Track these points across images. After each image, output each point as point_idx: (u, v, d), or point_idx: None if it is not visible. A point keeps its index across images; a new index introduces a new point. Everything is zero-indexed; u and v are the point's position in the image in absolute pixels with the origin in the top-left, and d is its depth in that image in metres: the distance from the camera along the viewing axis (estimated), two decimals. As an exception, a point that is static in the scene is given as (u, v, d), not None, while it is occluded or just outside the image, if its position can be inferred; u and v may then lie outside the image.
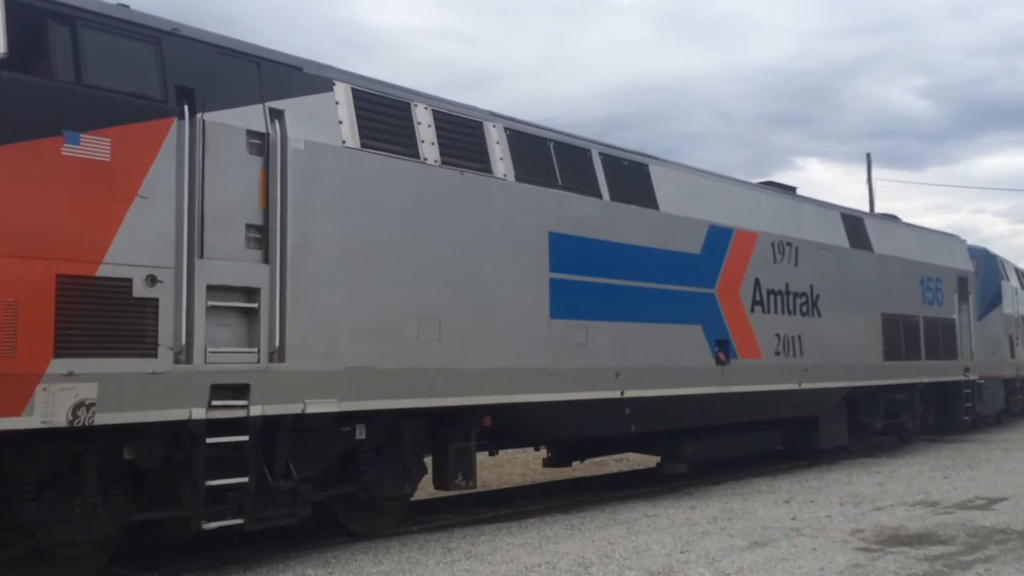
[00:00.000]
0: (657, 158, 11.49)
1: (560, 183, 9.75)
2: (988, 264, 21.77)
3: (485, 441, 9.81)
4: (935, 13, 71.20)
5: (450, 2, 61.62)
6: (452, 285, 8.41)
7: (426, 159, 8.34)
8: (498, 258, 8.91)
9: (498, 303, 8.85)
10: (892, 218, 17.88)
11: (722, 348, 11.78)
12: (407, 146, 8.24)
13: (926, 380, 16.56)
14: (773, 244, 12.91)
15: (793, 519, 9.25)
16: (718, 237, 11.89)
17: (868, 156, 33.25)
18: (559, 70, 64.32)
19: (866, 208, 26.20)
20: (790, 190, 14.64)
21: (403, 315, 7.95)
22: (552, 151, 9.83)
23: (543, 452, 12.30)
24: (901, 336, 15.88)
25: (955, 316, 17.97)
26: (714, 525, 8.97)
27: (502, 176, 9.08)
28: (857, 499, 10.64)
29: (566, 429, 9.82)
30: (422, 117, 8.47)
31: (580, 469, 13.32)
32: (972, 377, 18.36)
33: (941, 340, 17.29)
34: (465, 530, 8.94)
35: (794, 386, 13.09)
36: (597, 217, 10.12)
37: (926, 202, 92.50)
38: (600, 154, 10.48)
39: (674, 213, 11.25)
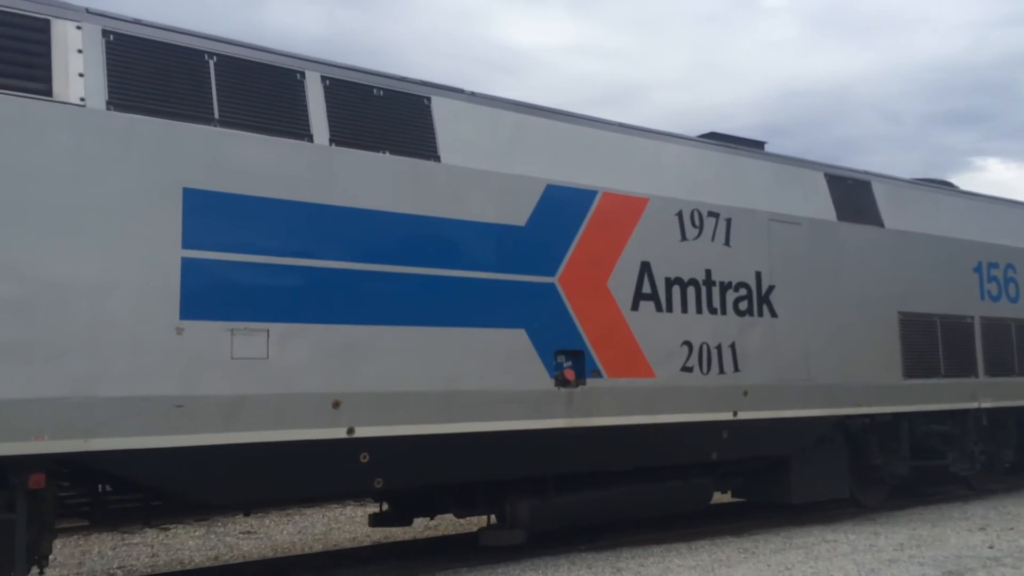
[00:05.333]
0: (457, 89, 7.96)
1: (217, 115, 6.47)
2: None
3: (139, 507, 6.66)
4: None
5: (593, 18, 58.71)
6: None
7: None
8: (61, 224, 5.74)
9: (52, 295, 5.66)
10: (947, 186, 13.26)
11: (572, 363, 8.06)
12: None
13: (987, 405, 11.89)
14: (680, 214, 9.01)
15: (991, 548, 8.55)
16: (564, 202, 8.19)
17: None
18: (708, 79, 59.81)
19: None
20: (755, 145, 10.61)
21: None
22: (212, 69, 6.57)
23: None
24: (938, 344, 11.38)
25: None
26: (901, 552, 8.35)
27: (77, 100, 5.90)
28: (1063, 527, 9.59)
29: (228, 489, 6.43)
30: None
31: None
32: None
33: (1017, 349, 12.52)
34: (634, 550, 8.66)
35: (725, 415, 9.10)
36: (299, 169, 6.76)
37: None
38: (324, 78, 7.10)
39: (470, 166, 7.68)
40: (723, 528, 9.81)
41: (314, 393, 6.62)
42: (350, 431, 6.77)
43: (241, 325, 6.34)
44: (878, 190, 11.27)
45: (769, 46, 59.99)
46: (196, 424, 6.09)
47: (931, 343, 11.30)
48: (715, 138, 10.30)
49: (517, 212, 7.85)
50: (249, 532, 11.35)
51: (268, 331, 6.45)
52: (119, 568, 9.31)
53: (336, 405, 6.71)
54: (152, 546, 10.51)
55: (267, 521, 12.05)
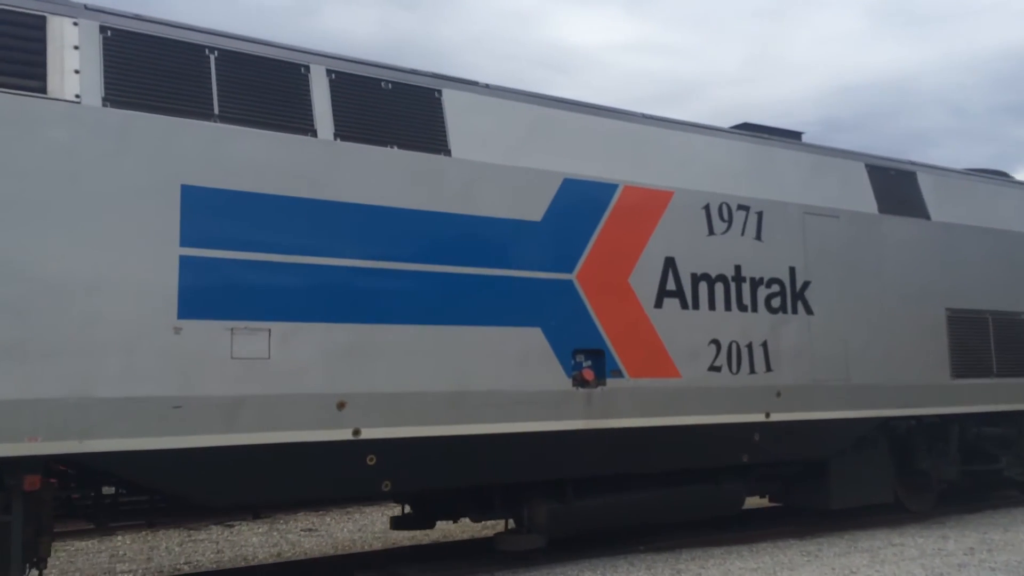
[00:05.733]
0: (471, 82, 7.75)
1: (217, 111, 6.36)
2: None
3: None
4: None
5: (649, 15, 58.11)
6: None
7: None
8: (56, 223, 5.67)
9: (47, 294, 5.60)
10: (1000, 175, 12.63)
11: (591, 362, 7.80)
12: None
13: (1043, 406, 11.27)
14: (707, 207, 8.67)
15: None
16: (583, 197, 7.92)
17: None
18: (765, 74, 58.62)
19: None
20: (791, 135, 10.21)
21: None
22: (212, 64, 6.46)
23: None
24: (990, 341, 10.82)
25: None
26: (971, 557, 8.13)
27: (72, 97, 5.84)
28: None
29: (230, 492, 6.31)
30: None
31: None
32: None
33: None
34: (693, 552, 8.56)
35: (756, 417, 8.75)
36: (302, 164, 6.61)
37: None
38: (329, 72, 6.96)
39: (483, 160, 7.46)
40: (785, 530, 9.60)
41: (318, 394, 6.47)
42: (356, 432, 6.61)
43: (241, 324, 6.21)
44: (924, 181, 10.76)
45: (829, 39, 58.60)
46: (195, 425, 5.98)
47: (982, 341, 10.75)
48: (748, 129, 9.93)
49: (532, 207, 7.61)
50: (310, 529, 11.42)
51: (270, 330, 6.32)
52: (185, 563, 9.46)
53: (341, 406, 6.55)
54: (217, 542, 10.66)
55: (327, 519, 12.14)
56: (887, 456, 10.12)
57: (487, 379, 7.20)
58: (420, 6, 56.28)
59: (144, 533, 11.05)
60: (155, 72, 6.20)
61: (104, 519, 6.64)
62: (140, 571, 9.05)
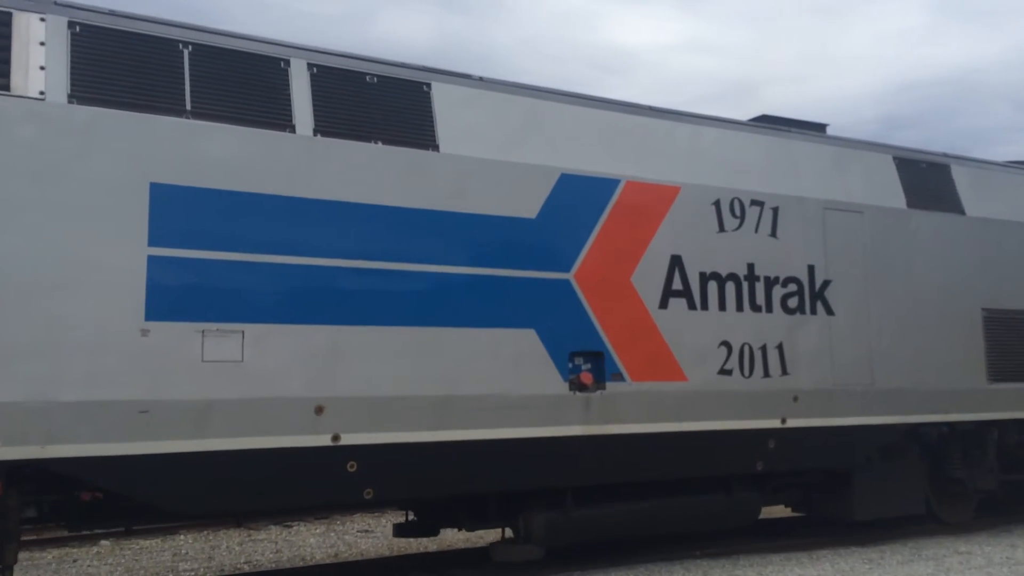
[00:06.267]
0: (463, 75, 7.47)
1: (190, 107, 6.18)
2: None
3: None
4: None
5: (702, 14, 57.30)
6: None
7: None
8: (19, 222, 5.54)
9: (9, 295, 5.46)
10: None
11: (590, 365, 7.46)
12: None
13: (1092, 412, 10.59)
14: (717, 203, 8.27)
15: None
16: (581, 193, 7.59)
17: None
18: (822, 71, 57.30)
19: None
20: (814, 127, 9.74)
21: None
22: (186, 59, 6.28)
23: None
24: (1032, 344, 10.21)
25: None
26: None
27: (36, 93, 5.70)
28: None
29: (202, 499, 6.11)
30: None
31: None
32: None
33: None
34: (751, 558, 8.40)
35: (771, 423, 8.32)
36: (278, 161, 6.40)
37: None
38: (311, 66, 6.74)
39: (473, 155, 7.18)
40: (847, 538, 9.37)
41: (294, 398, 6.25)
42: (335, 438, 6.37)
43: (213, 326, 6.02)
44: (958, 174, 10.18)
45: (889, 35, 57.02)
46: (163, 431, 5.81)
47: (1022, 343, 10.14)
48: (767, 121, 9.49)
49: (526, 204, 7.31)
50: (367, 531, 11.48)
51: (243, 332, 6.12)
52: (245, 563, 9.51)
53: (319, 411, 6.32)
54: (276, 542, 10.75)
55: (383, 520, 12.18)
56: (918, 464, 9.59)
57: (477, 383, 6.91)
58: (473, 10, 56.17)
59: (206, 533, 11.27)
60: (126, 68, 6.04)
61: (79, 525, 6.50)
62: (201, 569, 9.14)
